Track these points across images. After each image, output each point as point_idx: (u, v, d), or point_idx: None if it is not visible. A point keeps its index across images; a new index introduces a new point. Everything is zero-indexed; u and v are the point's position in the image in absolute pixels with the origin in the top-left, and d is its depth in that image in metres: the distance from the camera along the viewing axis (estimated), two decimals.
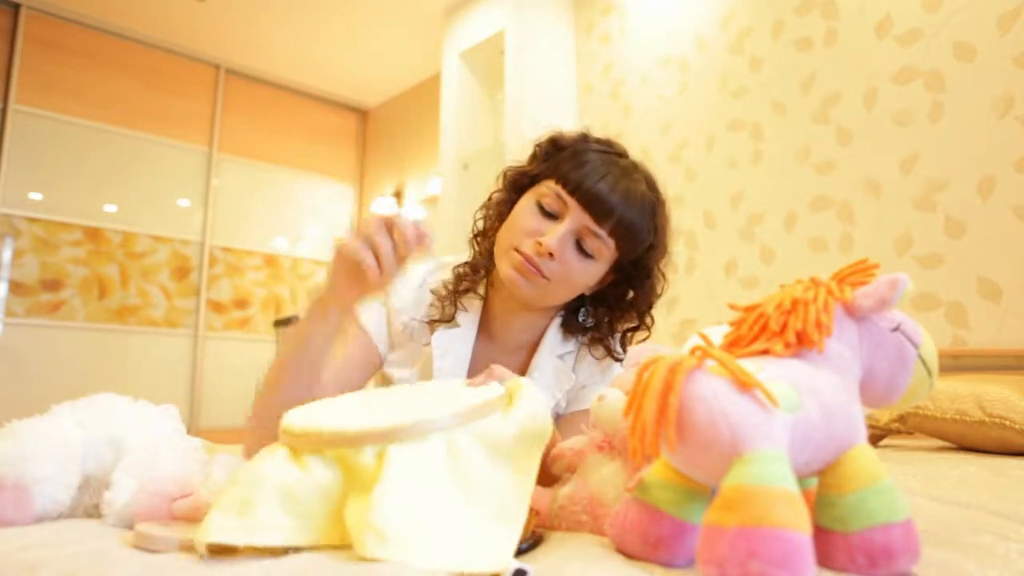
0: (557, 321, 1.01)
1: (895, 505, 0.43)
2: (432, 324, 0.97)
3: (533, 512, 0.57)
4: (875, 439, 1.70)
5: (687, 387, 0.42)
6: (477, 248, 1.02)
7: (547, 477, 0.71)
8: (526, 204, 0.93)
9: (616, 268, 0.96)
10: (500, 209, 0.99)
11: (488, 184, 1.06)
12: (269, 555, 0.51)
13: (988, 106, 2.00)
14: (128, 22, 3.93)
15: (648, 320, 1.01)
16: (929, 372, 0.52)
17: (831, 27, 2.39)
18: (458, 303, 0.99)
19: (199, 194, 4.21)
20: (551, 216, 0.90)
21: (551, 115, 3.18)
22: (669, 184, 3.00)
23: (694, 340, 0.49)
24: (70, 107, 3.77)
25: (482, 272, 1.01)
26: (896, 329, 0.51)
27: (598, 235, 0.88)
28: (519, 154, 1.03)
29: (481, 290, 1.01)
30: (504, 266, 0.91)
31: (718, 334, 0.53)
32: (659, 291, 1.00)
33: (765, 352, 0.48)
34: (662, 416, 0.41)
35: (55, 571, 0.44)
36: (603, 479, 0.58)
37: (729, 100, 2.69)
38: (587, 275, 0.92)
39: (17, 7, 3.64)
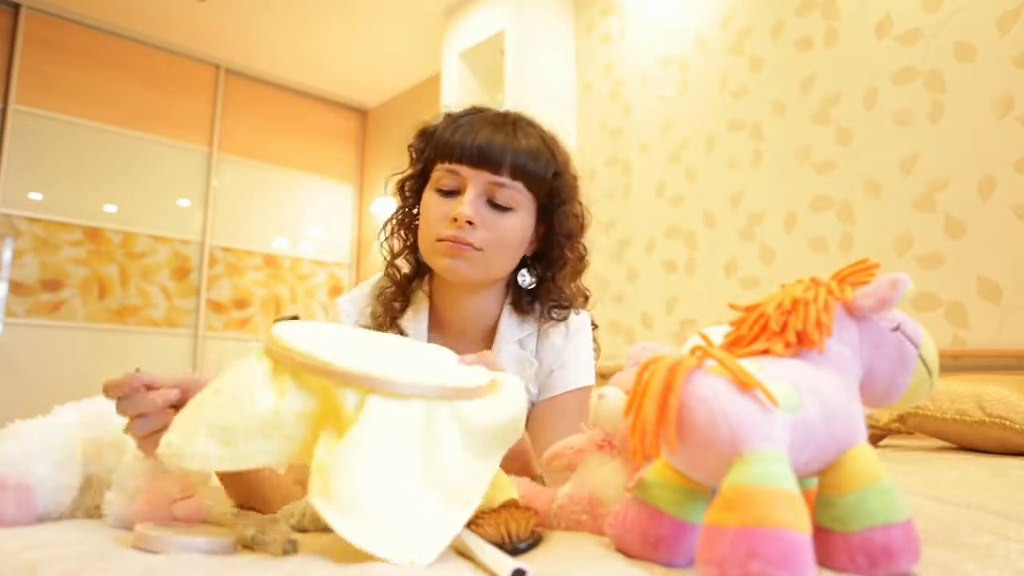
0: (508, 300, 1.00)
1: (895, 505, 0.43)
2: None
3: (533, 512, 0.57)
4: (875, 439, 1.70)
5: (687, 387, 0.42)
6: (397, 271, 1.01)
7: (514, 465, 0.71)
8: (427, 198, 0.93)
9: (542, 215, 0.95)
10: (407, 220, 1.00)
11: None
12: (269, 555, 0.51)
13: (988, 106, 2.00)
14: (128, 22, 3.92)
15: (573, 252, 0.98)
16: (929, 372, 0.52)
17: (831, 27, 2.39)
18: (399, 326, 0.98)
19: (199, 194, 4.21)
20: (454, 193, 0.90)
21: (551, 115, 3.17)
22: (669, 184, 3.03)
23: (694, 340, 0.49)
24: (70, 107, 3.76)
25: (414, 284, 1.00)
26: (896, 329, 0.51)
27: (503, 184, 0.88)
28: None
29: (420, 298, 1.00)
30: (437, 261, 0.90)
31: (718, 334, 0.53)
32: (581, 219, 0.99)
33: (765, 352, 0.48)
34: (662, 416, 0.41)
35: (55, 571, 0.44)
36: (603, 479, 0.59)
37: (729, 100, 2.69)
38: (516, 229, 0.91)
39: (17, 7, 3.64)
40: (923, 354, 0.51)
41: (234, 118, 4.38)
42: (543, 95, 3.22)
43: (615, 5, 3.21)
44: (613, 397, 0.60)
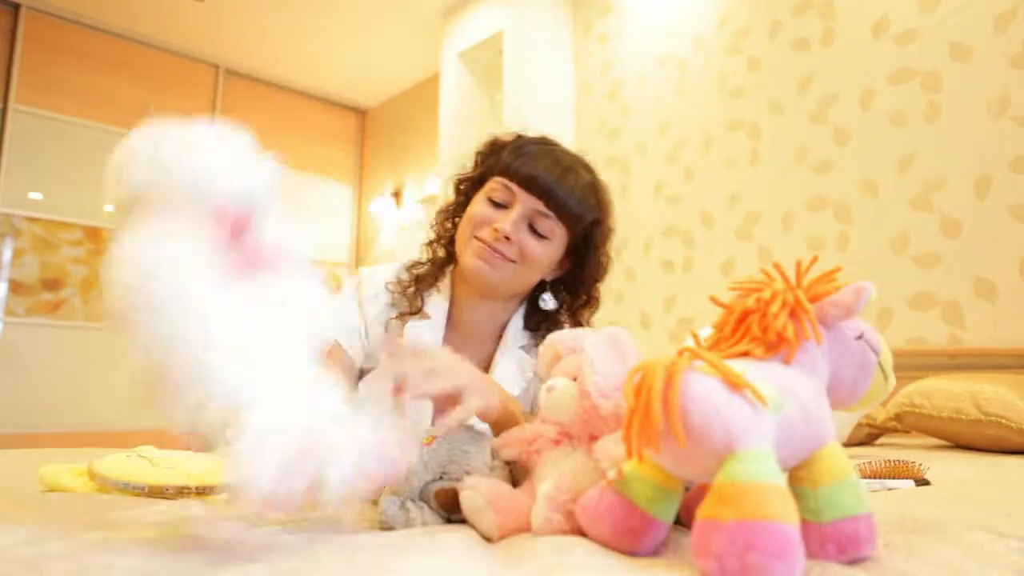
0: (520, 312, 1.08)
1: (862, 499, 0.47)
2: (403, 317, 1.04)
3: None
4: (872, 437, 1.71)
5: (681, 386, 0.43)
6: (433, 251, 1.10)
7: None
8: (478, 201, 1.01)
9: (571, 251, 1.03)
10: (454, 213, 1.08)
11: None
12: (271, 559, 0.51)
13: (984, 106, 2.00)
14: (128, 22, 3.93)
15: (595, 294, 1.08)
16: (886, 377, 0.55)
17: (828, 27, 2.40)
18: (423, 297, 1.06)
19: None
20: (501, 206, 0.98)
21: (549, 115, 3.19)
22: (667, 184, 3.03)
23: (689, 341, 0.51)
24: (70, 107, 3.77)
25: (443, 269, 1.08)
26: (860, 337, 0.54)
27: (547, 215, 0.96)
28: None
29: (445, 285, 1.08)
30: (467, 257, 0.99)
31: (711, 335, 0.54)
32: (606, 266, 1.08)
33: (745, 354, 0.50)
34: (668, 416, 0.42)
35: (55, 571, 0.45)
36: (572, 471, 0.57)
37: (727, 100, 2.69)
38: (545, 255, 0.99)
39: (17, 7, 3.65)
40: (881, 361, 0.55)
41: (234, 118, 4.36)
42: (541, 95, 3.23)
43: (613, 5, 3.22)
44: (562, 388, 0.60)
